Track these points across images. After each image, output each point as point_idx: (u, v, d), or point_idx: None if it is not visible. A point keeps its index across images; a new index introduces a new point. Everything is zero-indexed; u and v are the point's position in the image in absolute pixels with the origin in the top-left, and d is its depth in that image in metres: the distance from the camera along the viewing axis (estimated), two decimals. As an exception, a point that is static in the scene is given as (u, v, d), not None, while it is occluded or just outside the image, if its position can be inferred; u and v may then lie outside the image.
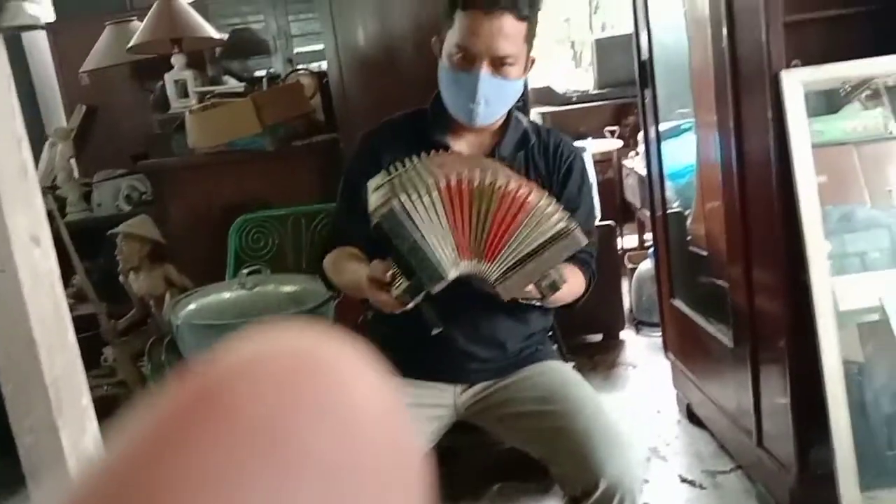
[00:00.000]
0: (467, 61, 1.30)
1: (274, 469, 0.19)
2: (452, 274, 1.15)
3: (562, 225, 1.16)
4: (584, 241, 1.17)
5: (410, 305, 1.17)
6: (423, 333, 1.25)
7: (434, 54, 1.39)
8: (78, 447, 1.04)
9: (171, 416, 0.20)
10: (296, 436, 0.19)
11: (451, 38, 1.32)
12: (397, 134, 1.42)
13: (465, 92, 1.32)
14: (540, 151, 1.43)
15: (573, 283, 1.33)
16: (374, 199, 1.19)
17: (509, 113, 1.42)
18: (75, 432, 1.04)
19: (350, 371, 0.21)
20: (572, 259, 1.29)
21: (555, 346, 1.57)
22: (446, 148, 1.38)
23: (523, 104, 3.04)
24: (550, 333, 1.58)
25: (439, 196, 1.13)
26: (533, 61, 1.39)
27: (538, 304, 1.29)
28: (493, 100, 1.33)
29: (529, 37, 1.33)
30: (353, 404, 0.21)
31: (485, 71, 1.29)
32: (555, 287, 1.18)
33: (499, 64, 1.30)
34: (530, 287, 1.20)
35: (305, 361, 0.21)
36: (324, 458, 0.19)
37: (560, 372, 1.43)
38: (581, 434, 1.26)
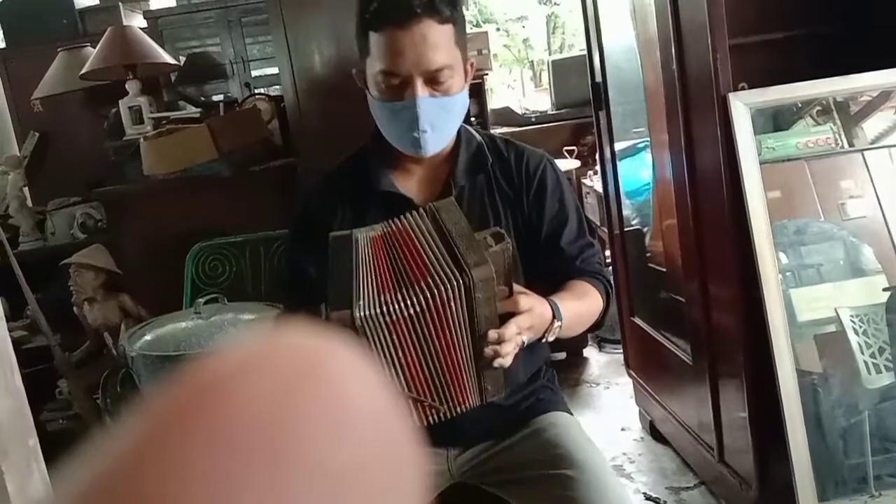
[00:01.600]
0: (398, 88, 1.14)
1: (269, 471, 0.18)
2: (357, 312, 0.98)
3: (427, 206, 1.08)
4: (449, 197, 1.11)
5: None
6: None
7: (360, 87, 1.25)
8: (24, 490, 1.01)
9: (166, 415, 0.19)
10: (292, 437, 0.19)
11: (373, 65, 1.15)
12: (337, 190, 1.28)
13: (404, 123, 1.16)
14: (503, 172, 1.26)
15: (588, 304, 1.20)
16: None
17: (459, 132, 1.26)
18: (21, 475, 1.01)
19: (348, 373, 0.21)
20: (581, 275, 1.20)
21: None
22: (394, 195, 1.24)
23: (482, 125, 3.07)
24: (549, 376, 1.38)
25: (371, 248, 1.06)
26: (473, 65, 1.22)
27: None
28: (440, 123, 1.17)
29: (461, 39, 1.16)
30: (350, 406, 0.20)
31: (421, 94, 1.13)
32: (501, 235, 1.03)
33: (434, 80, 1.13)
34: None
35: (304, 362, 0.21)
36: (320, 460, 0.19)
37: (567, 428, 1.26)
38: (596, 494, 1.11)
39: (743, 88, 1.58)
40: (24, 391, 1.08)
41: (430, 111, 1.14)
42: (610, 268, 2.69)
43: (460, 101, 1.19)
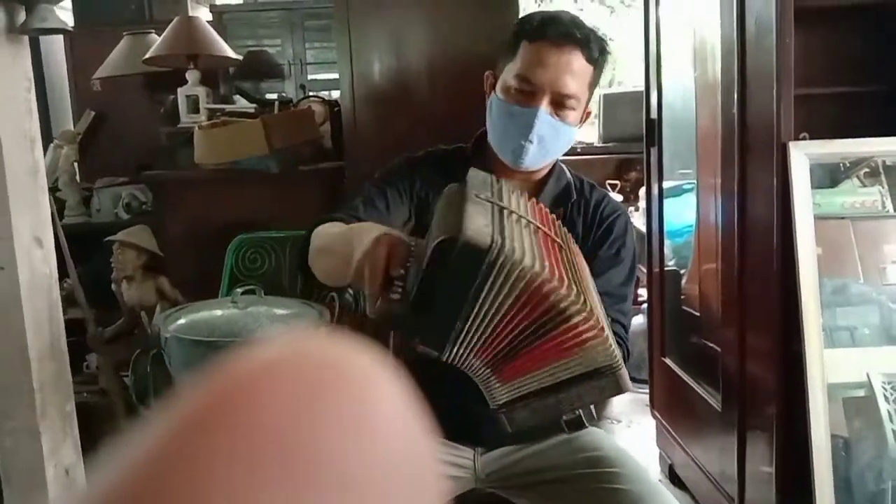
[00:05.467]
0: (527, 95, 1.20)
1: (290, 477, 0.18)
2: (448, 356, 0.86)
3: (608, 360, 0.87)
4: (628, 387, 0.89)
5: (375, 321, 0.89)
6: (440, 390, 1.11)
7: (483, 89, 1.30)
8: (57, 453, 1.02)
9: (190, 419, 0.19)
10: (314, 445, 0.19)
11: (512, 69, 1.21)
12: (436, 167, 1.30)
13: (518, 127, 1.20)
14: (580, 209, 1.31)
15: None
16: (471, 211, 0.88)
17: (553, 166, 1.32)
18: (56, 438, 1.02)
19: (371, 381, 0.21)
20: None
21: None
22: None
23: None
24: None
25: (522, 285, 0.83)
26: (589, 114, 1.29)
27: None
28: (547, 141, 1.22)
29: (593, 84, 1.24)
30: (372, 415, 0.21)
31: (544, 108, 1.19)
32: (579, 426, 0.95)
33: (560, 103, 1.20)
34: None
35: (327, 370, 0.21)
36: (341, 467, 0.19)
37: (603, 436, 1.28)
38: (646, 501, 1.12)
39: (804, 139, 1.57)
40: (67, 357, 1.10)
41: (544, 127, 1.20)
42: (644, 306, 2.67)
43: (569, 134, 1.24)
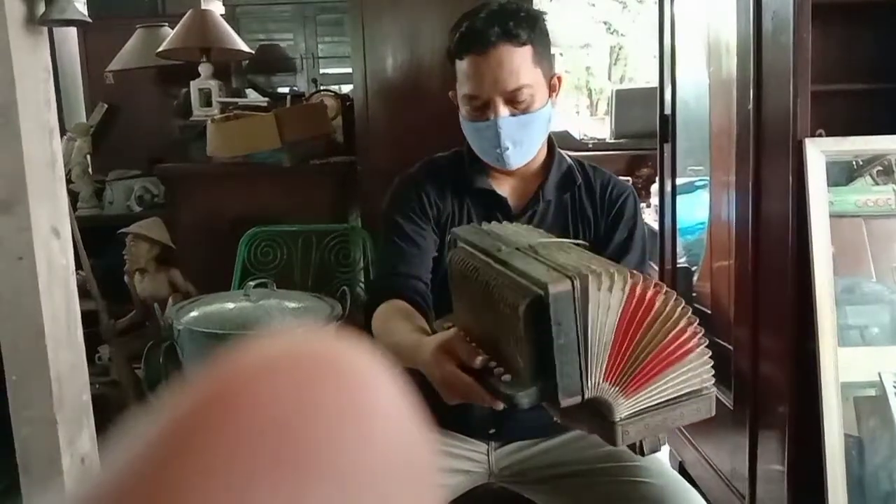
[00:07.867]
0: (480, 108, 1.22)
1: (288, 472, 0.19)
2: (589, 394, 0.87)
3: (706, 382, 0.89)
4: (713, 411, 0.91)
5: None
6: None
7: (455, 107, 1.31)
8: (74, 443, 1.03)
9: (187, 414, 0.20)
10: (312, 439, 0.19)
11: (460, 89, 1.24)
12: (438, 176, 1.32)
13: (488, 140, 1.23)
14: (587, 193, 1.31)
15: None
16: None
17: (552, 151, 1.32)
18: (73, 428, 1.03)
19: (368, 377, 0.21)
20: None
21: None
22: (490, 193, 1.29)
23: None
24: None
25: (622, 298, 0.84)
26: (560, 79, 1.28)
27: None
28: (522, 139, 1.23)
29: (540, 59, 1.21)
30: (369, 410, 0.21)
31: (503, 115, 1.19)
32: (653, 450, 0.95)
33: (514, 100, 1.20)
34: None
35: (325, 365, 0.21)
36: (339, 462, 0.19)
37: None
38: (672, 496, 1.12)
39: (820, 136, 1.56)
40: (84, 347, 1.11)
41: (510, 129, 1.21)
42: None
43: (542, 117, 1.24)
